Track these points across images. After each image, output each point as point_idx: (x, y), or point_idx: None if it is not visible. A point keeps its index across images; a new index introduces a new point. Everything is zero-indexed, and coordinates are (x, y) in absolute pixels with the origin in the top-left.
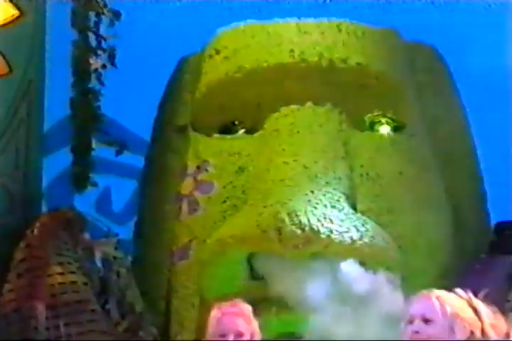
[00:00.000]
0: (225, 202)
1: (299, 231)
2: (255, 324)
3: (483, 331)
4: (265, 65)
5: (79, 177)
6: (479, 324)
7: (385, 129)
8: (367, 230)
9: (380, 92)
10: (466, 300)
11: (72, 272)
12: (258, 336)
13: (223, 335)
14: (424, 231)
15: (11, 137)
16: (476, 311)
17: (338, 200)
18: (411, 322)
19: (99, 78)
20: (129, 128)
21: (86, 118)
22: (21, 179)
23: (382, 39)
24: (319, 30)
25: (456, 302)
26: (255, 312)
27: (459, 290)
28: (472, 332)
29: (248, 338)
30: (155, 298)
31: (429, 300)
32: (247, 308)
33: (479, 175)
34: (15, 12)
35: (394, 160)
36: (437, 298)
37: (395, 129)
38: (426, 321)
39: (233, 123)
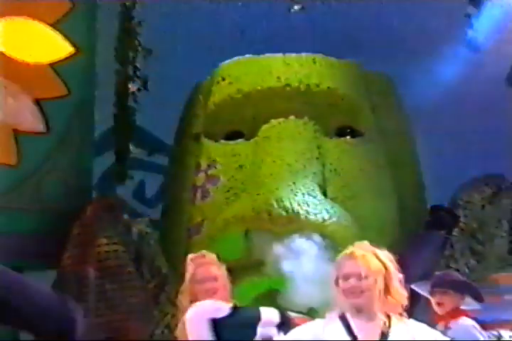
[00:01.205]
0: (228, 191)
1: (284, 213)
2: (223, 269)
3: (387, 276)
4: (259, 88)
5: (120, 172)
6: (383, 272)
7: (348, 137)
8: (334, 212)
9: (345, 109)
10: (373, 253)
11: (115, 243)
12: (226, 279)
13: (202, 282)
14: (378, 214)
15: (70, 143)
16: (380, 260)
17: (313, 190)
18: (346, 279)
19: (135, 99)
20: (157, 136)
21: (125, 129)
22: (76, 174)
23: (347, 69)
24: (299, 62)
25: (373, 258)
26: (248, 273)
27: (362, 245)
28: (375, 280)
29: (223, 282)
30: (176, 263)
31: (361, 260)
32: (214, 257)
33: (419, 172)
34: (71, 49)
35: (355, 160)
36: (362, 257)
37: (356, 136)
38: (360, 277)
39: (235, 132)
